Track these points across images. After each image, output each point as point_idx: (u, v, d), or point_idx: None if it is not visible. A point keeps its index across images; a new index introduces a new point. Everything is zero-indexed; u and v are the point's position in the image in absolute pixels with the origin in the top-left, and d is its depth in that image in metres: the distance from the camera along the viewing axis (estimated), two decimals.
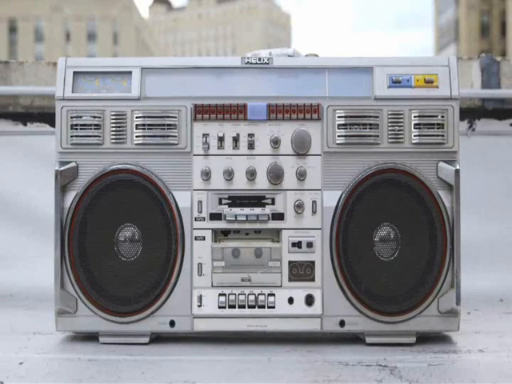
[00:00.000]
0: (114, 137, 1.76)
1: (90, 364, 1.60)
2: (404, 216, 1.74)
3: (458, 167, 1.73)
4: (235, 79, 1.78)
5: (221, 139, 1.75)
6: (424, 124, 1.75)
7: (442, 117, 1.75)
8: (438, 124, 1.75)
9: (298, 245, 1.74)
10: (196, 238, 1.75)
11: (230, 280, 1.74)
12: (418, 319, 1.74)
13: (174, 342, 1.76)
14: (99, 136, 1.76)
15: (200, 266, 1.75)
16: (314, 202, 1.74)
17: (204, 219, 1.75)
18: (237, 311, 1.73)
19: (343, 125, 1.74)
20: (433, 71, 1.77)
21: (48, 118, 2.56)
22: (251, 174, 1.74)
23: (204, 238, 1.75)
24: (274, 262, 1.74)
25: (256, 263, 1.74)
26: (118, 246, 1.74)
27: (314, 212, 1.74)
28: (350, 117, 1.74)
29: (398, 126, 1.75)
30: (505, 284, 2.18)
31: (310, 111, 1.74)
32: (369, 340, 1.74)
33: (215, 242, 1.75)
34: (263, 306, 1.73)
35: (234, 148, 1.76)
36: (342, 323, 1.74)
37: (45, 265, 2.01)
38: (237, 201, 1.75)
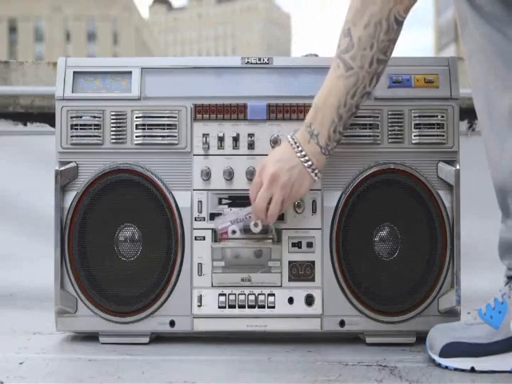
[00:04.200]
0: (114, 137, 1.76)
1: (90, 364, 1.60)
2: (404, 216, 1.74)
3: (458, 167, 1.73)
4: (235, 79, 1.78)
5: (221, 139, 1.75)
6: (424, 124, 1.75)
7: (442, 117, 1.75)
8: (438, 124, 1.75)
9: (297, 245, 1.74)
10: (196, 238, 1.75)
11: (230, 280, 1.74)
12: (417, 319, 1.74)
13: (174, 342, 1.76)
14: (99, 136, 1.76)
15: (200, 265, 1.75)
16: (314, 202, 1.74)
17: (204, 219, 1.75)
18: (237, 311, 1.73)
19: None
20: (433, 71, 1.77)
21: (48, 118, 2.56)
22: (251, 174, 1.74)
23: (204, 238, 1.75)
24: (273, 261, 1.73)
25: (256, 263, 1.74)
26: (117, 246, 1.74)
27: (313, 212, 1.74)
28: None
29: (398, 126, 1.75)
30: None
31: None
32: (369, 340, 1.75)
33: (215, 242, 1.75)
34: (263, 306, 1.73)
35: (234, 148, 1.76)
36: (342, 323, 1.74)
37: (45, 265, 2.00)
38: (237, 201, 1.75)
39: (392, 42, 1.56)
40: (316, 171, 1.61)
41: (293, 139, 1.61)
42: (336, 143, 1.61)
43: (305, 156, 1.60)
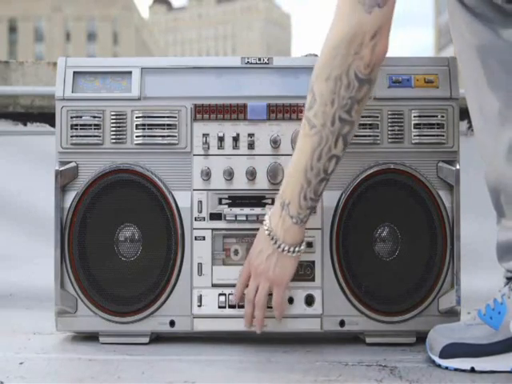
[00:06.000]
0: (113, 137, 1.76)
1: (91, 364, 1.60)
2: (404, 216, 1.74)
3: (458, 167, 1.73)
4: (235, 79, 1.78)
5: (221, 139, 1.75)
6: (424, 124, 1.75)
7: (442, 117, 1.76)
8: (438, 124, 1.75)
9: None
10: (196, 238, 1.75)
11: (230, 273, 1.74)
12: (417, 319, 1.74)
13: (174, 342, 1.76)
14: (99, 136, 1.76)
15: (200, 265, 1.75)
16: None
17: (204, 219, 1.75)
18: (237, 311, 1.73)
19: None
20: (433, 71, 1.77)
21: (48, 118, 2.56)
22: (251, 174, 1.75)
23: (204, 238, 1.75)
24: None
25: None
26: (117, 246, 1.74)
27: (313, 212, 1.74)
28: None
29: (398, 126, 1.75)
30: None
31: None
32: (369, 340, 1.75)
33: (215, 241, 1.75)
34: None
35: (234, 148, 1.76)
36: (342, 323, 1.74)
37: (45, 265, 2.01)
38: (237, 201, 1.75)
39: (356, 101, 1.47)
40: (293, 249, 1.57)
41: (267, 222, 1.58)
42: (309, 211, 1.56)
43: (277, 242, 1.56)
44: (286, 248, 1.57)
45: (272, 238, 1.57)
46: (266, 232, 1.58)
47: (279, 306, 1.64)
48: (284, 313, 1.68)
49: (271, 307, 1.72)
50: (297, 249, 1.58)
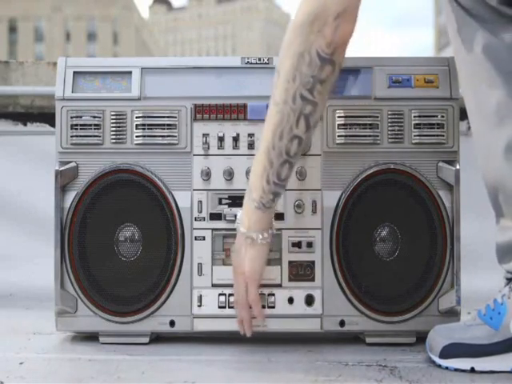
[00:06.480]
0: (113, 137, 1.76)
1: (90, 364, 1.60)
2: (404, 216, 1.74)
3: (458, 167, 1.73)
4: (235, 79, 1.78)
5: (221, 139, 1.75)
6: (424, 124, 1.75)
7: (442, 117, 1.76)
8: (438, 124, 1.75)
9: (297, 245, 1.74)
10: (196, 238, 1.75)
11: (230, 274, 1.74)
12: (417, 319, 1.74)
13: (174, 342, 1.76)
14: (99, 136, 1.76)
15: (200, 265, 1.75)
16: (314, 202, 1.74)
17: (204, 219, 1.75)
18: None
19: (343, 125, 1.74)
20: (433, 71, 1.77)
21: (48, 118, 2.56)
22: None
23: (204, 238, 1.75)
24: (273, 252, 1.72)
25: None
26: (117, 246, 1.74)
27: (313, 212, 1.74)
28: (350, 117, 1.74)
29: (398, 126, 1.75)
30: None
31: None
32: (369, 340, 1.75)
33: (215, 241, 1.75)
34: (263, 306, 1.73)
35: (234, 148, 1.76)
36: (342, 323, 1.74)
37: (45, 265, 2.01)
38: (237, 201, 1.75)
39: (318, 81, 1.48)
40: (256, 235, 1.56)
41: (238, 216, 1.60)
42: (272, 196, 1.55)
43: (243, 233, 1.56)
44: (251, 235, 1.56)
45: (239, 231, 1.58)
46: (236, 226, 1.60)
47: (254, 303, 1.61)
48: (262, 310, 1.65)
49: (272, 307, 1.73)
50: (260, 236, 1.56)
